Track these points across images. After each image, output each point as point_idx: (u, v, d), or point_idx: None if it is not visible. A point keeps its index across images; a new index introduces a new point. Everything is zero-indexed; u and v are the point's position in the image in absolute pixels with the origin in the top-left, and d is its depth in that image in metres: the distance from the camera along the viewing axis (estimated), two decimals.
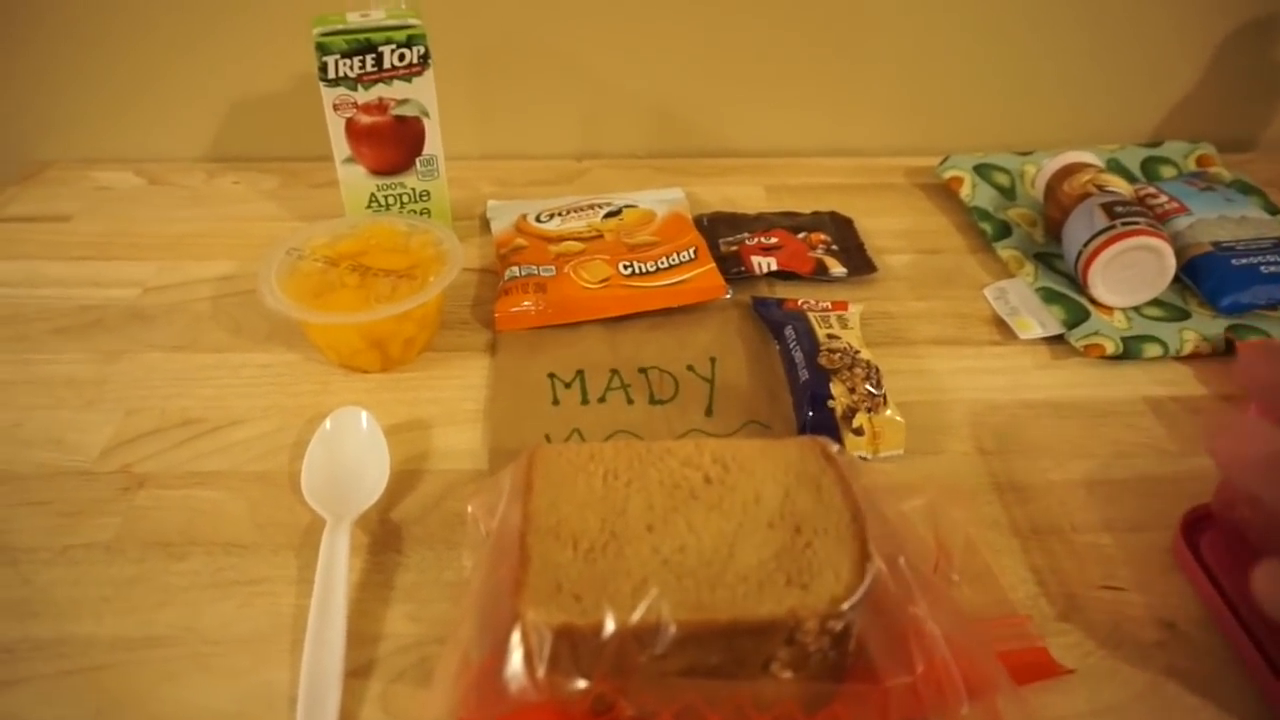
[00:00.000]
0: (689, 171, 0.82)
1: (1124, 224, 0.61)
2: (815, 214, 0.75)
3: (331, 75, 0.62)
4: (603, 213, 0.70)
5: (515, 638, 0.34)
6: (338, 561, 0.43)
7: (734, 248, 0.68)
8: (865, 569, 0.36)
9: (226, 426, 0.54)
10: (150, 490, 0.49)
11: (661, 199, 0.73)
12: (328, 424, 0.50)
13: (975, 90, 0.85)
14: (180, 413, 0.55)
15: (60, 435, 0.53)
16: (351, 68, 0.61)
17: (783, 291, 0.65)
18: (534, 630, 0.34)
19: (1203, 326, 0.61)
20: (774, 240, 0.69)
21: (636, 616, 0.34)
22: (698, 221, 0.72)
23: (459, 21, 0.77)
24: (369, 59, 0.61)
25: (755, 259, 0.66)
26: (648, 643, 0.34)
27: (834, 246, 0.69)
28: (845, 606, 0.35)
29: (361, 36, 0.61)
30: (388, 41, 0.61)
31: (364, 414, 0.51)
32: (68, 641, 0.42)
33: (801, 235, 0.70)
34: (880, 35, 0.81)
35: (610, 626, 0.34)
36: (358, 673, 0.40)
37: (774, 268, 0.66)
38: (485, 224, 0.73)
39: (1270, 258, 0.63)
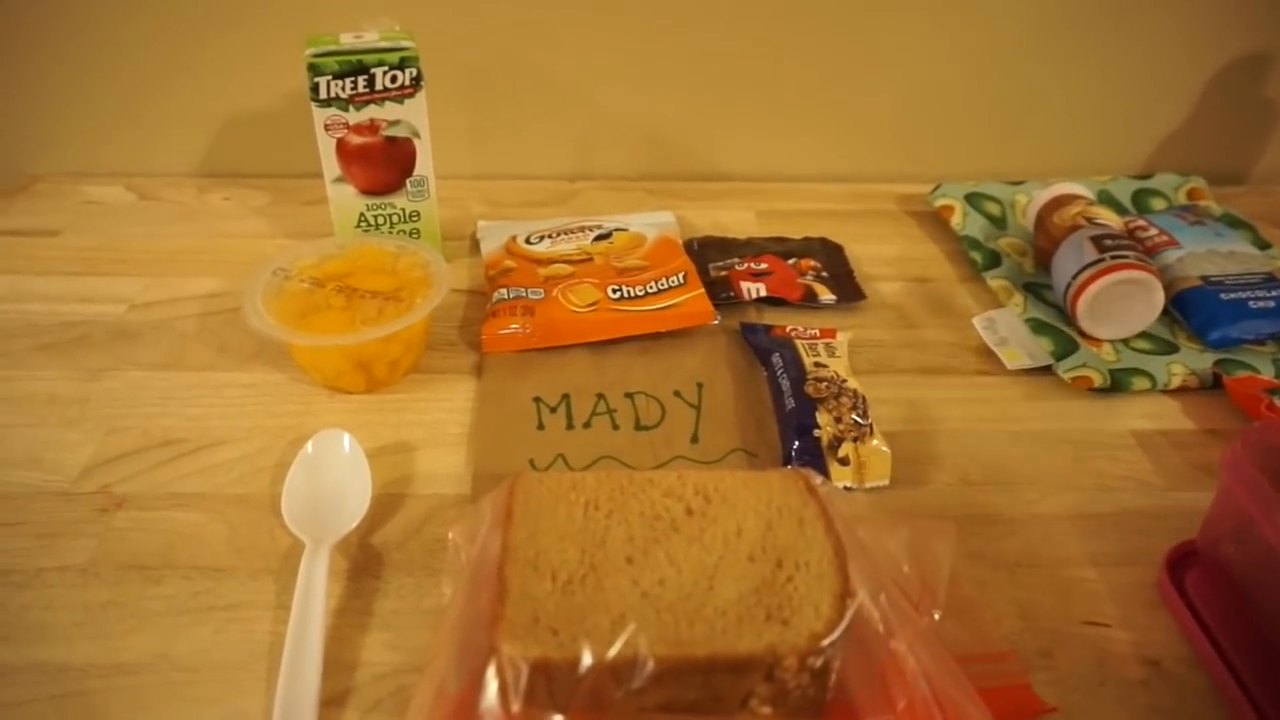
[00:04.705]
0: (681, 195, 0.82)
1: (1113, 257, 0.61)
2: (806, 240, 0.75)
3: (323, 96, 0.61)
4: (593, 235, 0.70)
5: (491, 670, 0.34)
6: (315, 587, 0.43)
7: (724, 273, 0.68)
8: (846, 605, 0.36)
9: (209, 447, 0.53)
10: (129, 512, 0.49)
11: (652, 222, 0.73)
12: (309, 447, 0.50)
13: (969, 119, 0.85)
14: (162, 433, 0.54)
15: (39, 454, 0.52)
16: (343, 89, 0.61)
17: (771, 318, 0.65)
18: (510, 664, 0.33)
19: (1191, 360, 0.61)
20: (764, 266, 0.69)
21: (614, 651, 0.33)
22: (688, 245, 0.72)
23: (456, 42, 0.77)
24: (361, 80, 0.61)
25: (744, 284, 0.66)
26: (625, 678, 0.34)
27: (824, 273, 0.69)
28: (825, 643, 0.34)
29: (354, 58, 0.61)
30: (380, 63, 0.61)
31: (346, 437, 0.50)
32: (37, 668, 0.41)
33: (791, 261, 0.70)
34: (876, 63, 0.82)
35: (587, 661, 0.33)
36: (333, 701, 0.40)
37: (763, 293, 0.66)
38: (475, 244, 0.73)
39: (1259, 292, 0.64)
